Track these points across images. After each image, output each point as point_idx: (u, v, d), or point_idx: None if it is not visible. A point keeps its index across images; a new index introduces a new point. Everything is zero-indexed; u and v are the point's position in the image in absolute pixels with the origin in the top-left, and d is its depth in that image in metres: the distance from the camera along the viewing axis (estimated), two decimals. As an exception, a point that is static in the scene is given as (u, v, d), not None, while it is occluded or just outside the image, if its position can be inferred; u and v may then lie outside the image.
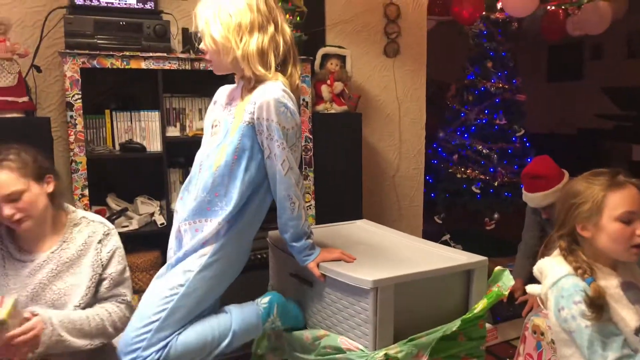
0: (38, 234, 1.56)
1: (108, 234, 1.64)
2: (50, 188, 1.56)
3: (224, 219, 1.47)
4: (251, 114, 1.47)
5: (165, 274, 1.53)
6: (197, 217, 1.51)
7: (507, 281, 1.57)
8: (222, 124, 1.55)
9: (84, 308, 1.56)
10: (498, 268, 1.61)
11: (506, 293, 1.52)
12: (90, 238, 1.61)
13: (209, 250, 1.48)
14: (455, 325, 1.46)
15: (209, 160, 1.52)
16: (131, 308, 1.66)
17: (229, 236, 1.49)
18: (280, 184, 1.49)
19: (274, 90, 1.46)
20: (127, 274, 1.67)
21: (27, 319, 1.41)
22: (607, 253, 1.42)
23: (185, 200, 1.58)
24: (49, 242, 1.58)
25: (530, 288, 1.57)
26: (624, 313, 1.34)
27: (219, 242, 1.48)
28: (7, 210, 1.46)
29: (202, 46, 1.52)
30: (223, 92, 1.67)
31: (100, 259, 1.60)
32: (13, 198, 1.46)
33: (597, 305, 1.32)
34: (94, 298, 1.59)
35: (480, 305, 1.52)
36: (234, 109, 1.54)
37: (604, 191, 1.40)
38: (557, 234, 1.49)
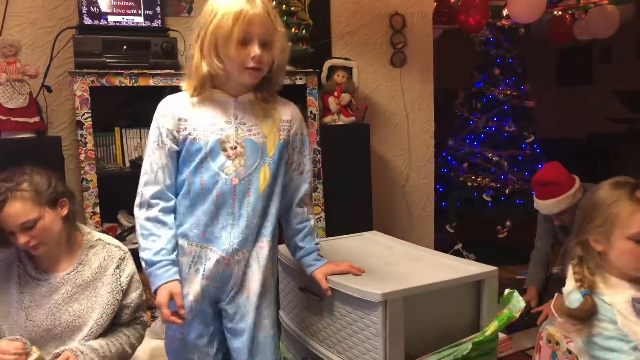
0: (54, 255, 1.58)
1: (124, 258, 1.64)
2: (64, 211, 1.57)
3: (270, 237, 1.47)
4: (287, 132, 1.47)
5: (251, 317, 1.43)
6: (253, 242, 1.45)
7: (517, 303, 1.56)
8: (247, 143, 1.41)
9: (100, 332, 1.57)
10: (507, 291, 1.60)
11: (517, 315, 1.51)
12: (105, 261, 1.62)
13: (267, 272, 1.47)
14: (467, 349, 1.44)
15: (250, 183, 1.41)
16: (146, 327, 1.71)
17: (275, 251, 1.51)
18: (305, 192, 1.53)
19: (293, 104, 1.49)
20: (144, 296, 1.69)
21: (58, 355, 1.45)
22: (618, 268, 1.36)
23: (227, 233, 1.41)
24: (64, 262, 1.59)
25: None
26: (635, 329, 1.28)
27: (271, 262, 1.49)
28: (22, 238, 1.47)
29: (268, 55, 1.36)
30: (194, 106, 1.44)
31: (120, 285, 1.61)
32: (27, 226, 1.47)
33: (576, 317, 1.29)
34: (112, 322, 1.61)
35: (491, 328, 1.50)
36: (257, 127, 1.43)
37: (619, 206, 1.33)
38: (574, 241, 1.45)
